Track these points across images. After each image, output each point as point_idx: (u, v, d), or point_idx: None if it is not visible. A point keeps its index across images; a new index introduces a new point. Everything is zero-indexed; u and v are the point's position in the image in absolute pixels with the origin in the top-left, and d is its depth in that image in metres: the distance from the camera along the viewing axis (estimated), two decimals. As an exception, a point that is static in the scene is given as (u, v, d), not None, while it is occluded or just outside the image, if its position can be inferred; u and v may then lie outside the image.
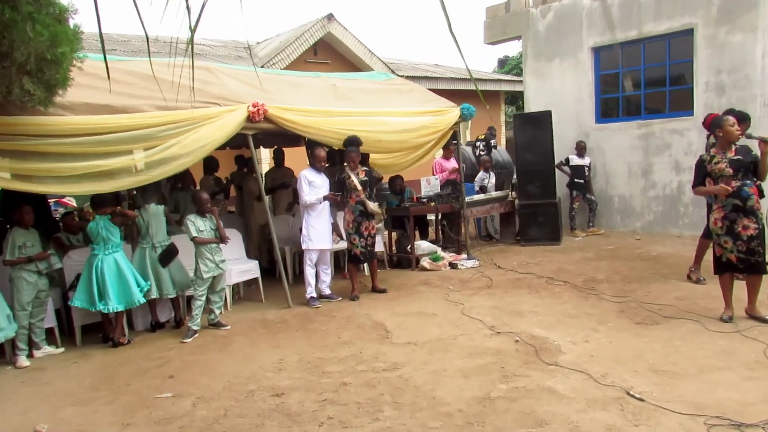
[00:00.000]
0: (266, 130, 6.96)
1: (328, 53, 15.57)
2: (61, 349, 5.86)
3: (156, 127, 5.87)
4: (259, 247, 8.87)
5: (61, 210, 12.27)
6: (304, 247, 6.95)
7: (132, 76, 6.39)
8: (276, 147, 9.43)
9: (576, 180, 10.43)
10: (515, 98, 25.52)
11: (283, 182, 9.03)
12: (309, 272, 6.96)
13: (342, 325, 6.05)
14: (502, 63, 30.09)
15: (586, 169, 10.50)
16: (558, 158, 10.21)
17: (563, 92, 11.17)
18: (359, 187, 7.01)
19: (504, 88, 20.48)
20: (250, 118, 6.55)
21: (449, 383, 4.33)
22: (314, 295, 6.97)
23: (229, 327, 6.21)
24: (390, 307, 6.61)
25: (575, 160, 10.44)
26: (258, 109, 6.57)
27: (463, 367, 4.63)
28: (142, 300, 5.92)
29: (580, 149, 10.48)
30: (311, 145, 10.39)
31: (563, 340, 5.07)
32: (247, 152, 11.14)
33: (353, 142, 6.97)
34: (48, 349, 5.77)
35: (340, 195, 6.97)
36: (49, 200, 13.33)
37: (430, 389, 4.24)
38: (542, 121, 9.92)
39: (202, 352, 5.49)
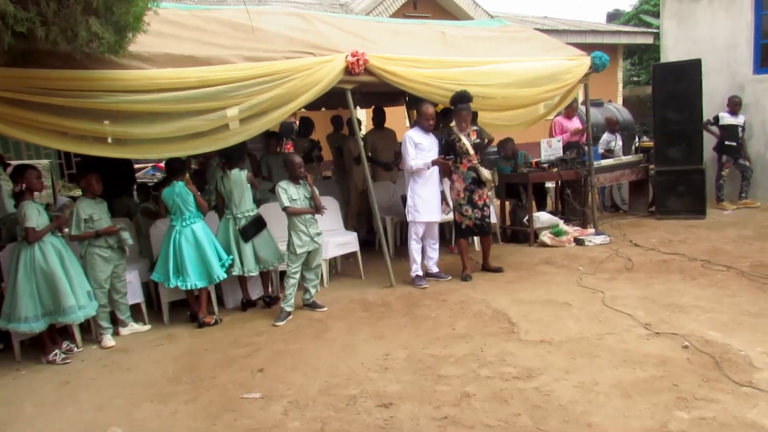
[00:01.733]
0: (366, 85, 6.05)
1: (428, 6, 14.42)
2: (148, 327, 5.38)
3: (244, 81, 5.12)
4: (358, 216, 8.08)
5: (159, 175, 12.14)
6: (410, 219, 6.05)
7: (218, 23, 5.67)
8: (375, 106, 8.52)
9: (727, 142, 8.79)
10: (632, 52, 23.11)
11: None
12: (414, 247, 6.07)
13: (455, 312, 5.14)
14: (612, 17, 27.23)
15: (740, 129, 8.82)
16: (705, 116, 8.61)
17: (712, 38, 9.42)
18: (471, 151, 5.98)
19: (622, 40, 18.37)
20: (348, 70, 5.69)
21: (606, 405, 3.31)
22: (420, 273, 6.10)
23: (325, 309, 5.48)
24: (511, 291, 5.61)
25: (726, 119, 8.78)
26: (358, 59, 5.67)
27: (621, 380, 3.58)
28: (223, 275, 5.31)
29: (734, 105, 8.80)
30: (415, 102, 9.44)
31: (752, 350, 3.87)
32: (344, 113, 10.51)
33: (464, 97, 5.92)
34: (134, 327, 5.30)
35: (451, 159, 5.97)
36: (146, 165, 13.36)
37: (582, 412, 3.24)
38: (689, 71, 8.32)
39: (296, 340, 4.77)
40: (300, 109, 6.00)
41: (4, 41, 3.50)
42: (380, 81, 5.95)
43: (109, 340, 5.02)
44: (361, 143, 6.20)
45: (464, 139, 5.97)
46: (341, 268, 6.91)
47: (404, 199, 7.85)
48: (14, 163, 8.68)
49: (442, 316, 5.07)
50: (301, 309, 5.51)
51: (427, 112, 5.96)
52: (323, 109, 10.87)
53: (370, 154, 7.92)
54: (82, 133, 4.60)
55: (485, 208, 6.14)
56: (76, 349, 4.94)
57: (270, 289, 5.85)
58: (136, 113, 4.70)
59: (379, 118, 8.30)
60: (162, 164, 12.38)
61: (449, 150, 6.01)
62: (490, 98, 6.59)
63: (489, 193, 6.38)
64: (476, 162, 5.97)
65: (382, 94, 8.29)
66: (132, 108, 4.74)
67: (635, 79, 24.21)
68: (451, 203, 6.45)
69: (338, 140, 8.52)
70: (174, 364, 4.47)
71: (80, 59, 4.30)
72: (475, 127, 6.15)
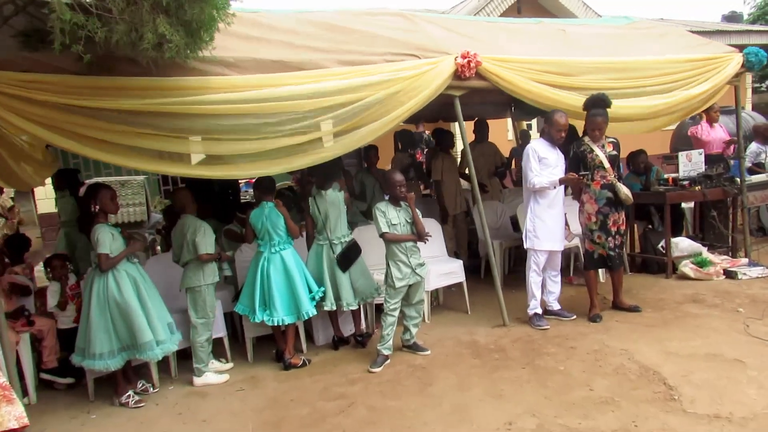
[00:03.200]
0: (475, 91, 5.22)
1: (534, 10, 13.38)
2: (230, 365, 4.81)
3: (339, 87, 4.46)
4: (458, 238, 7.22)
5: (252, 192, 11.89)
6: (528, 246, 5.12)
7: (312, 26, 5.06)
8: (477, 119, 7.66)
9: None
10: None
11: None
12: (534, 280, 5.13)
13: (590, 365, 4.17)
14: (730, 19, 24.63)
15: None
16: None
17: None
18: (607, 165, 4.99)
19: (753, 40, 16.38)
20: (457, 73, 4.90)
21: None
22: (539, 311, 5.15)
23: (428, 352, 4.67)
24: (657, 339, 4.54)
25: None
26: (469, 61, 4.88)
27: None
28: (313, 312, 4.63)
29: None
30: (523, 113, 8.53)
31: None
32: (444, 125, 9.72)
33: (600, 101, 4.95)
34: (216, 365, 4.74)
35: (585, 176, 5.00)
36: (240, 182, 13.17)
37: None
38: None
39: (395, 393, 4.00)
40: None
41: (56, 47, 3.01)
42: (493, 87, 5.12)
43: (198, 379, 4.49)
44: (470, 158, 5.35)
45: (598, 151, 4.99)
46: (443, 299, 6.08)
47: (513, 220, 7.02)
48: (107, 179, 8.62)
49: (573, 370, 4.11)
50: (400, 351, 4.74)
51: (559, 122, 4.96)
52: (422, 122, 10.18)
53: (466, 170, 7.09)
54: (159, 148, 4.08)
55: (618, 236, 5.11)
56: (151, 389, 4.44)
57: (362, 325, 5.12)
58: (217, 126, 4.13)
59: (481, 131, 7.44)
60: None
61: (579, 164, 5.05)
62: (631, 108, 5.55)
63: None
64: (613, 178, 4.98)
65: (486, 104, 7.41)
66: (212, 120, 4.17)
67: (756, 85, 21.74)
68: (573, 227, 5.48)
69: (437, 156, 7.72)
70: (255, 418, 3.82)
71: (160, 66, 3.81)
72: (611, 139, 5.16)
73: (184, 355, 4.84)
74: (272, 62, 4.37)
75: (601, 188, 5.01)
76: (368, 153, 6.85)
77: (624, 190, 4.95)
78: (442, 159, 6.88)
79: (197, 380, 4.51)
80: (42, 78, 3.66)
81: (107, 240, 4.11)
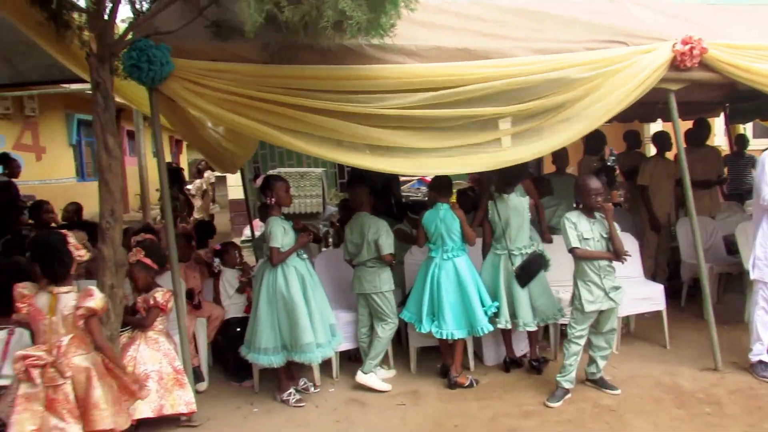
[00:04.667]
0: (697, 83, 4.35)
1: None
2: (392, 372, 4.54)
3: (530, 79, 3.94)
4: (657, 257, 6.24)
5: (424, 190, 11.67)
6: (756, 276, 4.15)
7: (501, 12, 4.55)
8: (698, 119, 6.55)
9: None
10: None
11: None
12: (762, 320, 4.13)
13: None
14: None
15: None
16: None
17: None
18: None
19: None
20: (675, 63, 4.10)
21: None
22: (766, 358, 4.15)
23: (618, 391, 3.97)
24: None
25: None
26: (692, 48, 4.06)
27: None
28: (489, 328, 4.16)
29: None
30: (741, 115, 7.25)
31: None
32: (637, 125, 8.60)
33: None
34: (380, 372, 4.48)
35: None
36: (411, 177, 13.05)
37: None
38: None
39: (577, 437, 3.41)
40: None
41: (248, 28, 2.90)
42: (723, 80, 4.23)
43: (368, 376, 4.29)
44: (684, 164, 4.48)
45: None
46: (635, 327, 5.24)
47: (727, 240, 5.91)
48: (288, 170, 8.93)
49: (820, 444, 3.18)
50: (583, 385, 4.10)
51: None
52: (613, 121, 9.15)
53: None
54: (338, 137, 3.89)
55: None
56: (312, 389, 4.31)
57: (535, 350, 4.53)
58: (398, 117, 3.83)
59: (701, 134, 6.36)
60: (427, 178, 11.93)
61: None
62: None
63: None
64: None
65: (689, 103, 6.30)
66: (392, 112, 3.88)
67: None
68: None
69: (634, 161, 6.78)
70: (414, 440, 3.48)
71: (339, 55, 3.63)
72: None
73: (346, 358, 4.69)
74: (456, 50, 3.99)
75: None
76: (557, 155, 6.14)
77: None
78: (655, 162, 5.99)
79: (362, 377, 4.28)
80: (229, 67, 3.67)
81: (279, 233, 4.04)
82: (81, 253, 3.09)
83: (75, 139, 11.74)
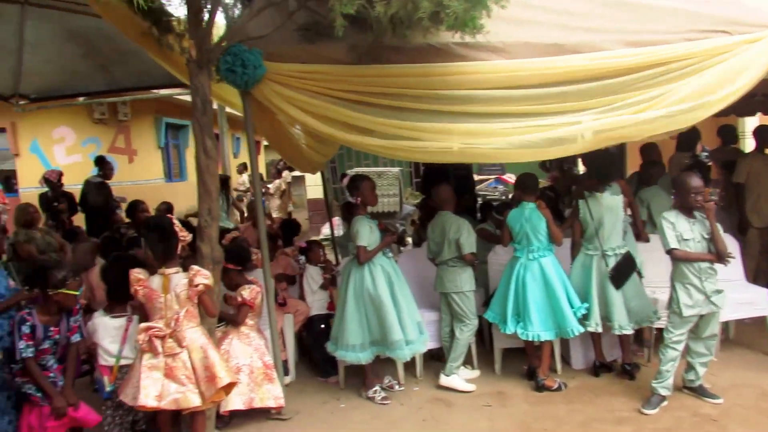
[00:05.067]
0: None
1: None
2: (477, 373, 4.51)
3: (624, 75, 3.79)
4: (760, 259, 5.85)
5: (502, 188, 11.51)
6: None
7: (589, 4, 4.40)
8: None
9: None
10: None
11: None
12: None
13: None
14: None
15: None
16: None
17: None
18: None
19: None
20: (788, 53, 3.83)
21: None
22: None
23: (720, 400, 3.76)
24: None
25: None
26: (808, 35, 3.77)
27: None
28: (579, 329, 4.04)
29: None
30: None
31: None
32: (733, 120, 8.08)
33: None
34: (463, 372, 4.45)
35: None
36: (488, 177, 12.88)
37: None
38: None
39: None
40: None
41: (338, 23, 2.95)
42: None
43: (451, 378, 4.27)
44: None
45: None
46: (734, 333, 4.93)
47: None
48: (365, 170, 9.02)
49: None
50: (680, 392, 3.90)
51: None
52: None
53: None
54: (423, 137, 3.86)
55: None
56: (397, 387, 4.34)
57: (628, 355, 4.34)
58: (485, 114, 3.78)
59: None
60: (505, 176, 11.74)
61: None
62: None
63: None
64: None
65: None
66: (480, 109, 3.83)
67: None
68: None
69: (730, 157, 6.39)
70: (503, 442, 3.43)
71: (421, 51, 3.62)
72: None
73: (429, 356, 4.69)
74: (545, 46, 3.87)
75: None
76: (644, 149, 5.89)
77: None
78: (753, 158, 5.64)
79: (444, 379, 4.28)
80: (318, 68, 3.73)
81: (366, 232, 4.09)
82: (184, 234, 3.40)
83: (163, 142, 12.33)
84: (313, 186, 11.22)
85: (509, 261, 4.35)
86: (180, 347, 3.24)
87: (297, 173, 11.75)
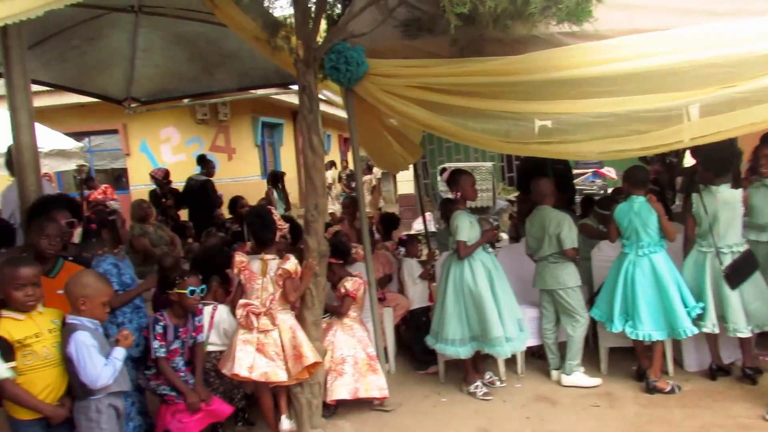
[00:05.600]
0: None
1: None
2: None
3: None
4: None
5: (599, 182, 11.06)
6: None
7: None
8: None
9: None
10: None
11: None
12: None
13: None
14: None
15: None
16: None
17: None
18: None
19: None
20: None
21: None
22: None
23: None
24: None
25: None
26: None
27: None
28: (693, 330, 3.82)
29: None
30: None
31: None
32: None
33: None
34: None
35: None
36: (585, 170, 12.41)
37: None
38: None
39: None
40: None
41: (450, 25, 2.94)
42: None
43: (573, 377, 4.19)
44: None
45: None
46: None
47: None
48: (457, 165, 8.95)
49: None
50: (814, 400, 3.61)
51: None
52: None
53: None
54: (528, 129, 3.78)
55: None
56: (498, 383, 4.29)
57: (750, 357, 4.06)
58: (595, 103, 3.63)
59: None
60: (602, 170, 11.29)
61: None
62: None
63: None
64: None
65: None
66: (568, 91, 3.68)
67: None
68: None
69: None
70: (614, 445, 3.31)
71: (524, 42, 3.54)
72: None
73: (530, 354, 4.60)
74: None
75: None
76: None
77: None
78: None
79: (566, 378, 4.19)
80: (420, 63, 3.73)
81: (466, 227, 4.07)
82: (282, 224, 3.70)
83: (260, 140, 12.84)
84: (403, 182, 11.28)
85: (617, 257, 4.18)
86: (272, 326, 3.51)
87: (391, 170, 11.88)
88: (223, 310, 3.84)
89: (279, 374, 3.46)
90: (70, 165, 8.12)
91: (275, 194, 9.23)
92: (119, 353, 2.77)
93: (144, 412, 3.62)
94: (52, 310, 2.86)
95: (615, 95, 3.58)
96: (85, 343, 2.67)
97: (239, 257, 3.65)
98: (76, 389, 2.73)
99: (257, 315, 3.49)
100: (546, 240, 4.21)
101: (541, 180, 4.43)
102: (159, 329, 3.38)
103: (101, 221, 3.57)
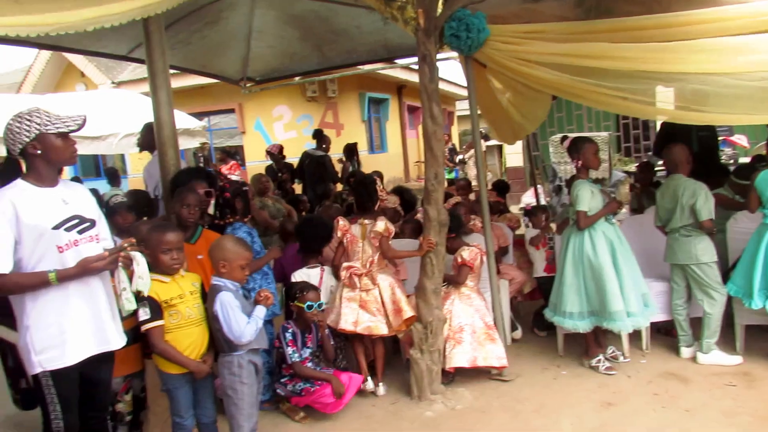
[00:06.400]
0: None
1: None
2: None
3: None
4: None
5: (729, 151, 10.23)
6: None
7: None
8: None
9: None
10: None
11: None
12: None
13: None
14: None
15: None
16: None
17: None
18: None
19: None
20: None
21: None
22: None
23: None
24: None
25: None
26: None
27: None
28: None
29: None
30: None
31: None
32: None
33: None
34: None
35: None
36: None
37: None
38: None
39: None
40: None
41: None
42: None
43: (711, 355, 3.98)
44: None
45: None
46: None
47: None
48: (573, 136, 8.60)
49: None
50: None
51: None
52: None
53: None
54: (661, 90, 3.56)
55: None
56: (622, 358, 4.14)
57: None
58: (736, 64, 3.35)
59: None
60: (732, 138, 10.45)
61: None
62: None
63: None
64: None
65: None
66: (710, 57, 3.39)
67: None
68: None
69: None
70: (756, 426, 3.11)
71: (662, 3, 3.32)
72: None
73: (656, 330, 4.40)
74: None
75: None
76: None
77: None
78: None
79: (704, 357, 3.98)
80: (543, 27, 3.61)
81: (587, 197, 3.93)
82: (384, 195, 4.05)
83: (366, 116, 13.03)
84: (512, 154, 11.04)
85: (756, 229, 3.88)
86: (373, 285, 3.86)
87: (492, 142, 11.64)
88: (329, 272, 4.14)
89: (381, 328, 3.83)
90: (194, 143, 8.67)
91: (351, 168, 9.23)
92: (260, 312, 2.95)
93: (271, 371, 3.86)
94: (193, 274, 3.08)
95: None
96: (229, 303, 2.86)
97: (342, 222, 4.00)
98: (222, 345, 2.95)
99: (359, 276, 3.84)
100: (678, 211, 3.98)
101: (675, 146, 4.16)
102: (289, 336, 3.67)
103: (236, 191, 3.81)
